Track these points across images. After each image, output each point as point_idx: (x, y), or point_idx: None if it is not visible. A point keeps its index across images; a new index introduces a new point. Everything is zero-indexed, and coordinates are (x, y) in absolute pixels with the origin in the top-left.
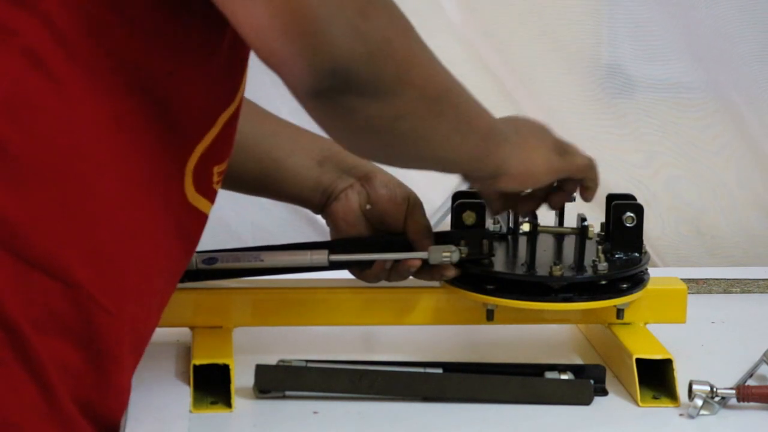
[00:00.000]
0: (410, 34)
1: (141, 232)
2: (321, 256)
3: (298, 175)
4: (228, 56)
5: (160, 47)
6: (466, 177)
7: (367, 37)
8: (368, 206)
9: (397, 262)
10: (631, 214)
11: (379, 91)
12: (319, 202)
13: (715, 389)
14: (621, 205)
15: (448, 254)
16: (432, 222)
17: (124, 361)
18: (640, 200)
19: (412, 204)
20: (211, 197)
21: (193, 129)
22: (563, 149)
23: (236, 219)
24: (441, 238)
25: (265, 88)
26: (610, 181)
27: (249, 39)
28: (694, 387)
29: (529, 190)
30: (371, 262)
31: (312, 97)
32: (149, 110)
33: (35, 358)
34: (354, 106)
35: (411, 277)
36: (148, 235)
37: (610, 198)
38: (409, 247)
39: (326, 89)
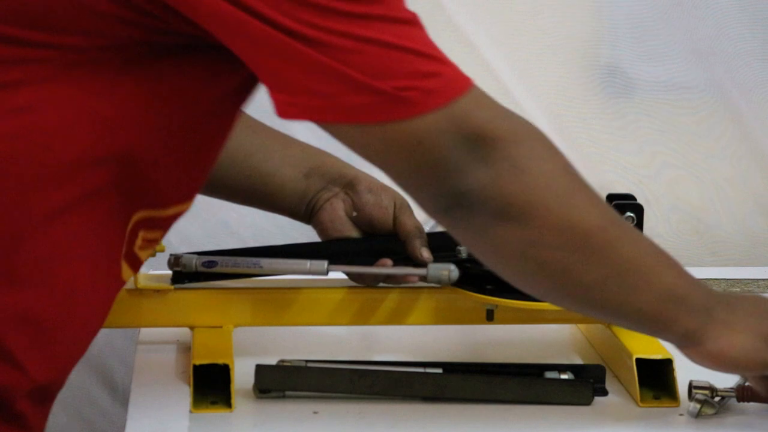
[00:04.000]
0: (556, 162)
1: (75, 298)
2: (319, 267)
3: (284, 188)
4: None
5: (148, 132)
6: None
7: (490, 163)
8: (354, 213)
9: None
10: (631, 214)
11: (508, 215)
12: (306, 213)
13: (715, 389)
14: (621, 205)
15: (446, 273)
16: (432, 222)
17: (27, 414)
18: (640, 200)
19: (399, 206)
20: (133, 264)
21: (144, 205)
22: None
23: (236, 219)
24: (440, 239)
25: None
26: (610, 181)
27: (384, 172)
28: (695, 387)
29: None
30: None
31: (441, 215)
32: (108, 177)
33: None
34: (484, 226)
35: None
36: (81, 301)
37: (610, 198)
38: (405, 247)
39: (455, 212)
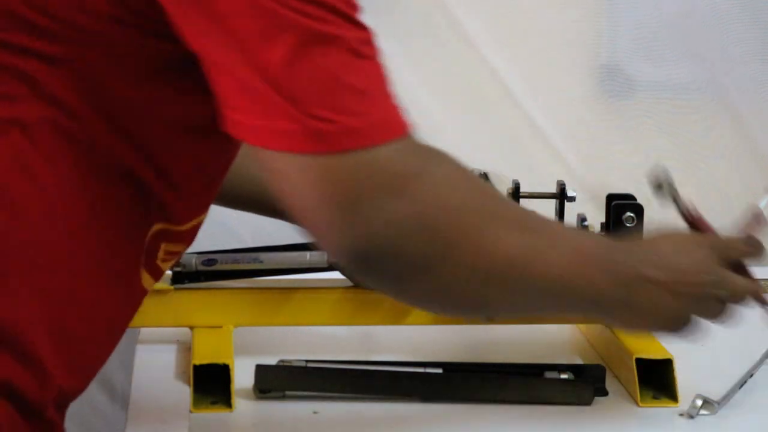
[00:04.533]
0: (466, 203)
1: (99, 307)
2: (320, 257)
3: None
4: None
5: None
6: None
7: (400, 216)
8: None
9: None
10: (631, 214)
11: (418, 269)
12: None
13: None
14: (621, 205)
15: None
16: None
17: (53, 419)
18: (640, 200)
19: None
20: (155, 274)
21: (161, 218)
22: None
23: (236, 219)
24: None
25: None
26: (610, 182)
27: (288, 204)
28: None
29: None
30: None
31: (350, 265)
32: (125, 194)
33: None
34: (393, 274)
35: None
36: (104, 310)
37: (610, 198)
38: None
39: (361, 263)
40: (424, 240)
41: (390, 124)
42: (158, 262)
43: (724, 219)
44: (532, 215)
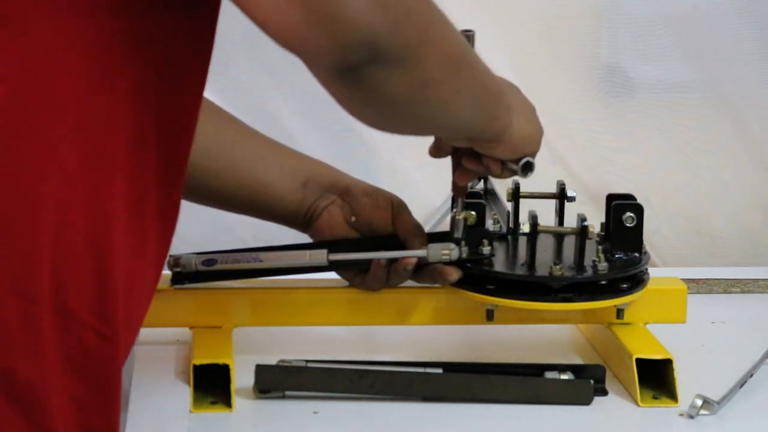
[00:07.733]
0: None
1: (138, 250)
2: (320, 256)
3: (283, 199)
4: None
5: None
6: (470, 141)
7: (387, 7)
8: (353, 218)
9: (394, 261)
10: (631, 214)
11: (405, 60)
12: (303, 222)
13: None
14: (621, 205)
15: (447, 252)
16: (432, 222)
17: (120, 381)
18: (640, 200)
19: (396, 206)
20: None
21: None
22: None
23: (236, 219)
24: (440, 238)
25: (267, 90)
26: (610, 181)
27: (263, 21)
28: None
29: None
30: (369, 266)
31: (337, 74)
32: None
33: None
34: (380, 78)
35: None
36: (143, 250)
37: (610, 198)
38: (405, 248)
39: (352, 64)
40: (406, 28)
41: None
42: None
43: (724, 218)
44: None
